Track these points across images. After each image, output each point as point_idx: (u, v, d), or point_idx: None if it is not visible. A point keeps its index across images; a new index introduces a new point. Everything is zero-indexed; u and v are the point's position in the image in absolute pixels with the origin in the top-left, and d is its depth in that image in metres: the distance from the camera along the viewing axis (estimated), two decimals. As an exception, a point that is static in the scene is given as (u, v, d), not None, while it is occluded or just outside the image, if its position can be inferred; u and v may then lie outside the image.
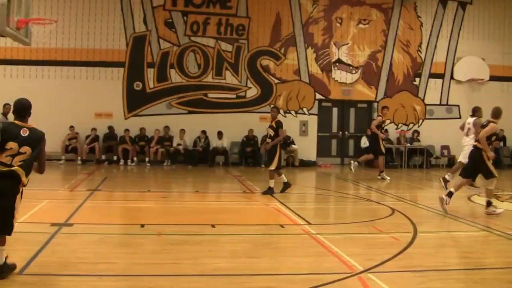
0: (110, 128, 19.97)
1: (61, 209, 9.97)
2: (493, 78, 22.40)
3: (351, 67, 21.80)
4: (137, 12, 20.56)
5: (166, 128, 20.24)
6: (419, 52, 22.34)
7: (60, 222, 8.38)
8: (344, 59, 21.72)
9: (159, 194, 12.91)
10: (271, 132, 12.54)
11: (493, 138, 10.32)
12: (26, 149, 5.57)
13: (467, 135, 13.38)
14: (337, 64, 21.70)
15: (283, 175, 12.74)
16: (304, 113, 21.55)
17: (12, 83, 19.07)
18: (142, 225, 8.52)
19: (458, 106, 22.38)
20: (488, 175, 10.05)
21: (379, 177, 16.20)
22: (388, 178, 16.13)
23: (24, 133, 5.62)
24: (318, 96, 21.63)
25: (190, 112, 20.78)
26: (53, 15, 18.84)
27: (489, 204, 10.11)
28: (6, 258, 5.56)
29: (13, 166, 5.48)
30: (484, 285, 6.00)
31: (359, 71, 21.86)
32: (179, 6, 20.81)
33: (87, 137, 19.79)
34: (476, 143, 10.24)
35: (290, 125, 20.35)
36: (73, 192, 12.40)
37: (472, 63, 22.36)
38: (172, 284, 5.64)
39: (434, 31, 22.38)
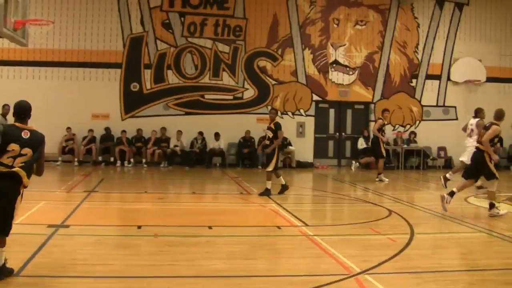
0: (107, 129, 19.95)
1: (58, 210, 9.97)
2: (489, 80, 22.43)
3: (348, 68, 21.82)
4: (134, 13, 20.56)
5: (163, 129, 20.24)
6: (416, 53, 22.38)
7: (57, 223, 8.37)
8: (341, 60, 21.73)
9: (156, 195, 12.89)
10: (270, 134, 12.53)
11: (496, 140, 10.33)
12: (27, 150, 5.59)
13: (470, 136, 13.34)
14: (334, 65, 21.72)
15: (281, 177, 12.74)
16: (301, 114, 21.55)
17: (9, 84, 19.08)
18: (139, 227, 8.51)
19: (455, 107, 22.42)
20: (490, 176, 10.06)
21: (377, 179, 16.19)
22: (387, 179, 16.13)
23: (25, 135, 5.64)
24: (315, 97, 21.64)
25: (187, 113, 20.78)
26: (50, 16, 18.83)
27: (492, 206, 10.12)
28: (5, 261, 5.57)
29: (14, 167, 5.50)
30: (480, 286, 6.02)
31: (356, 72, 21.88)
32: (176, 7, 20.81)
33: (84, 138, 19.77)
34: (478, 145, 10.24)
35: (287, 126, 20.25)
36: (70, 193, 12.40)
37: (468, 64, 22.39)
38: (169, 286, 5.64)
39: (431, 32, 22.42)
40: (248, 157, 20.49)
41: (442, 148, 22.08)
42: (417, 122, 22.36)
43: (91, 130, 19.73)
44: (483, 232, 8.77)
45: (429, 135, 21.93)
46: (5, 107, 13.95)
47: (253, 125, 20.65)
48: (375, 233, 8.48)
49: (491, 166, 10.02)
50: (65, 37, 19.92)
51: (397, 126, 22.07)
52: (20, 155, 5.55)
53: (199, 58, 20.90)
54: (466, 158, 12.76)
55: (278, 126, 12.45)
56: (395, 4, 22.14)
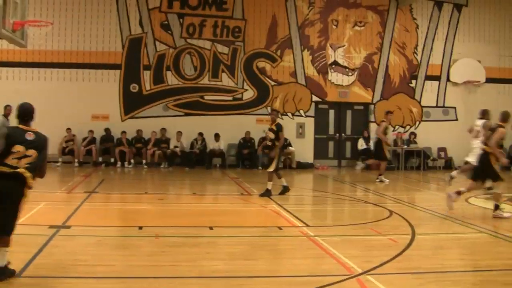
0: (107, 130, 19.94)
1: (58, 211, 9.95)
2: (489, 80, 22.46)
3: (347, 69, 21.82)
4: (133, 14, 20.56)
5: (163, 130, 20.24)
6: (415, 54, 22.39)
7: (58, 224, 8.36)
8: (340, 61, 21.75)
9: (156, 196, 12.87)
10: (271, 136, 12.50)
11: (502, 142, 10.34)
12: (32, 152, 5.62)
13: (476, 137, 13.29)
14: (333, 66, 21.73)
15: (283, 178, 12.72)
16: (301, 115, 21.56)
17: (8, 85, 19.09)
18: (140, 227, 8.50)
19: (455, 108, 22.44)
20: (496, 178, 10.06)
21: (377, 180, 16.19)
22: (387, 180, 16.13)
23: (30, 136, 5.67)
24: (315, 98, 21.64)
25: (186, 114, 20.78)
26: (49, 17, 18.77)
27: (496, 207, 10.12)
28: (8, 262, 5.57)
29: (19, 168, 5.52)
30: (482, 287, 6.01)
31: (356, 73, 21.88)
32: (175, 8, 20.81)
33: (84, 139, 19.76)
34: (484, 147, 10.23)
35: (287, 127, 20.14)
36: (70, 194, 12.39)
37: (468, 65, 22.41)
38: (170, 286, 5.63)
39: (430, 33, 22.43)
40: (248, 158, 20.49)
41: (442, 149, 22.09)
42: (417, 122, 22.37)
43: (91, 131, 19.73)
44: (485, 233, 8.75)
45: (429, 136, 21.95)
46: (7, 108, 14.00)
47: (253, 126, 20.65)
48: (376, 234, 8.47)
49: (496, 168, 10.01)
50: (64, 38, 19.91)
51: (397, 126, 22.05)
52: (25, 156, 5.58)
53: (198, 59, 20.90)
54: (473, 159, 12.71)
55: (279, 128, 12.43)
56: (393, 5, 22.15)
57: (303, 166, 20.75)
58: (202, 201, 12.80)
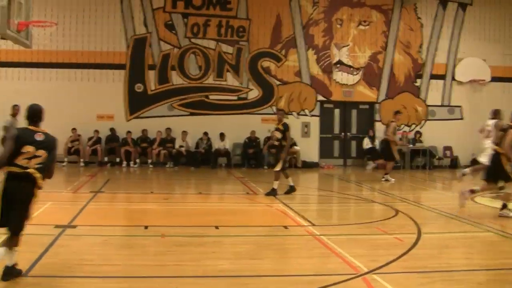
0: (112, 130, 19.99)
1: (64, 211, 9.97)
2: (494, 79, 22.39)
3: (352, 69, 21.79)
4: (137, 14, 20.58)
5: (168, 130, 20.25)
6: (420, 53, 22.33)
7: (63, 224, 8.39)
8: (344, 60, 21.71)
9: (162, 195, 12.89)
10: (278, 135, 12.49)
11: None
12: (42, 152, 5.65)
13: (488, 137, 13.22)
14: (338, 65, 21.69)
15: (290, 178, 12.71)
16: (306, 115, 21.54)
17: (14, 86, 19.16)
18: (146, 227, 8.51)
19: (460, 107, 22.38)
20: (507, 179, 10.01)
21: (383, 179, 16.13)
22: (393, 179, 16.08)
23: (39, 137, 5.70)
24: (320, 98, 21.62)
25: (191, 114, 20.79)
26: (53, 17, 18.83)
27: (504, 206, 10.09)
28: (15, 263, 5.60)
29: (29, 168, 5.55)
30: (488, 286, 6.01)
31: (360, 72, 21.85)
32: (179, 8, 20.82)
33: (89, 139, 19.81)
34: (496, 147, 10.17)
35: (292, 126, 20.14)
36: (76, 194, 12.42)
37: (473, 64, 22.36)
38: (176, 286, 5.63)
39: (434, 32, 22.37)
40: (253, 157, 20.49)
41: (448, 148, 22.03)
42: (422, 121, 22.30)
43: (96, 131, 19.77)
44: (491, 232, 8.72)
45: (434, 135, 21.88)
46: (15, 107, 14.04)
47: (258, 125, 20.65)
48: (382, 233, 8.46)
49: (508, 168, 9.96)
50: (69, 38, 19.94)
51: (402, 126, 21.96)
52: (35, 156, 5.60)
53: (203, 59, 20.91)
54: (485, 159, 12.64)
55: (286, 127, 12.42)
56: (398, 4, 22.09)
57: (308, 166, 20.73)
58: (208, 201, 12.81)
